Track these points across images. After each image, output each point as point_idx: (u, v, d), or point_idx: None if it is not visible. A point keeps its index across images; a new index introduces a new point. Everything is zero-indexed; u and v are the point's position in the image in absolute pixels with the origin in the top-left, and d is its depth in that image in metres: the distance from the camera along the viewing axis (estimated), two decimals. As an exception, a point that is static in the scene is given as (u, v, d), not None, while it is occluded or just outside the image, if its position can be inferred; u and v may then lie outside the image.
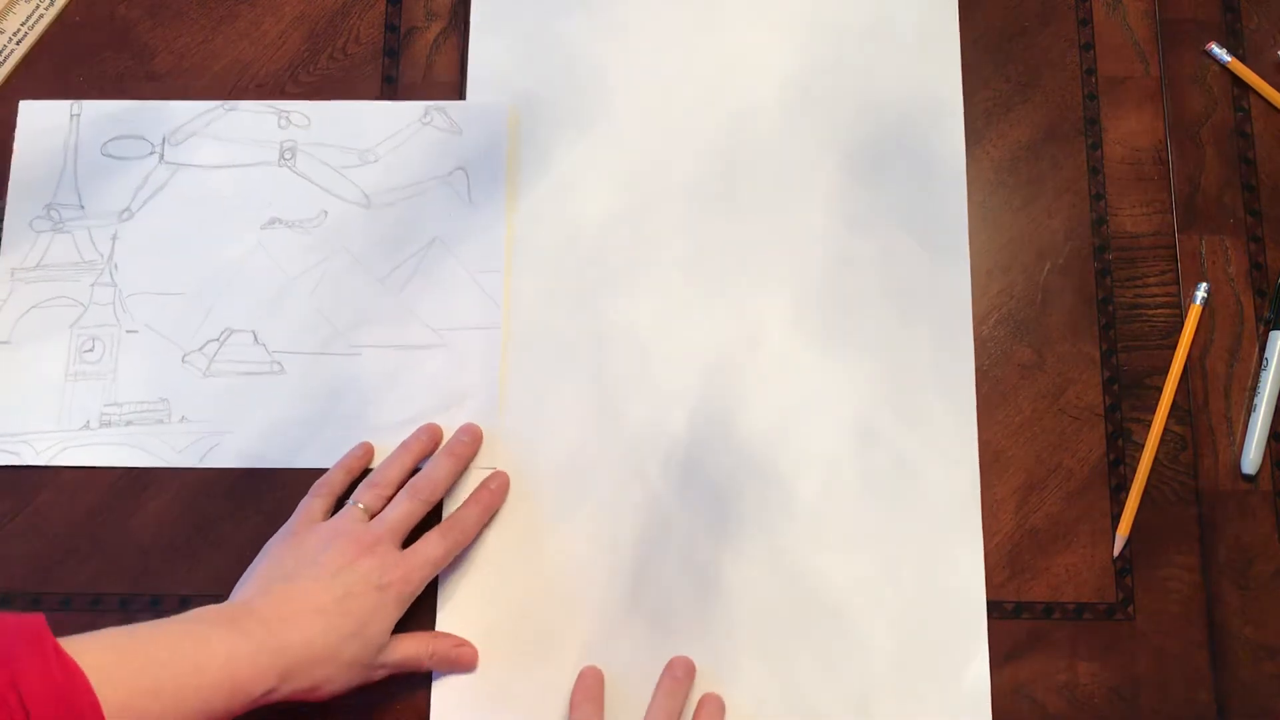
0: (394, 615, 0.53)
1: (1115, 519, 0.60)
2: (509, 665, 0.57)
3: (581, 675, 0.57)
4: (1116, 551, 0.59)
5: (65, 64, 0.65)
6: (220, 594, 0.55)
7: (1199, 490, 0.60)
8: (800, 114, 0.65)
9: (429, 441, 0.59)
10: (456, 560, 0.58)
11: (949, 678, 0.57)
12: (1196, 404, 0.61)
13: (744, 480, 0.60)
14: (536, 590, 0.58)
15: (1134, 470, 0.60)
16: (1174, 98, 0.65)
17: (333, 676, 0.51)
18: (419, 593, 0.55)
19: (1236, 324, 0.62)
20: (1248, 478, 0.60)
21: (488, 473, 0.60)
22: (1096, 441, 0.61)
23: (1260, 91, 0.65)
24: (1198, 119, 0.65)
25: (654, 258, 0.63)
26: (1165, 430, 0.61)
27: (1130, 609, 0.59)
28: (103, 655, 0.43)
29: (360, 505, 0.56)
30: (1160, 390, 0.61)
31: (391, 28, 0.66)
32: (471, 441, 0.59)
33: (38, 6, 0.65)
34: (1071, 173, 0.64)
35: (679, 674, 0.57)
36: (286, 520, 0.56)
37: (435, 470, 0.58)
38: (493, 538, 0.59)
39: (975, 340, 0.62)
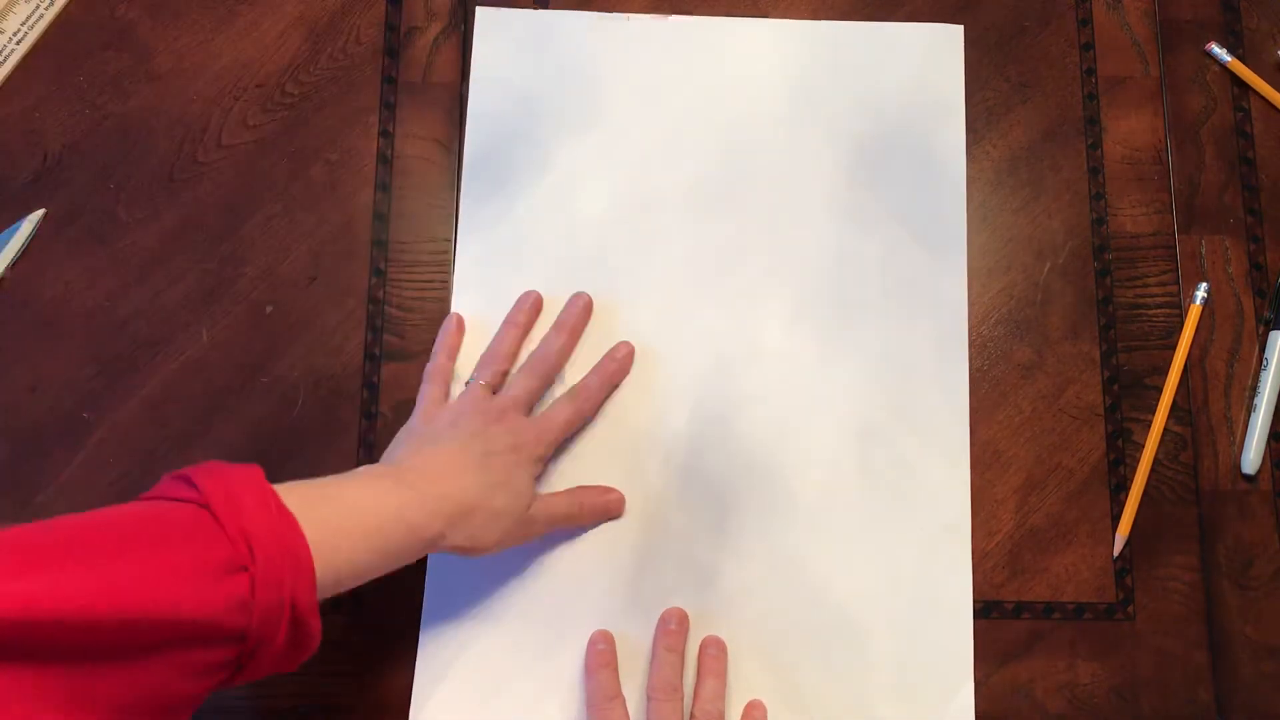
0: (532, 473, 0.55)
1: (1115, 519, 0.60)
2: (501, 671, 0.57)
3: (593, 641, 0.57)
4: (1116, 551, 0.59)
5: (65, 64, 0.65)
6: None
7: (1199, 490, 0.60)
8: (801, 114, 0.65)
9: (533, 312, 0.61)
10: (447, 566, 0.58)
11: (941, 677, 0.57)
12: (1196, 404, 0.61)
13: (744, 480, 0.60)
14: (535, 590, 0.58)
15: (1134, 470, 0.60)
16: (1174, 98, 0.65)
17: (488, 525, 0.52)
18: (550, 455, 0.57)
19: (1236, 324, 0.62)
20: (1248, 478, 0.60)
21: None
22: (1096, 441, 0.61)
23: (1260, 91, 0.65)
24: (1198, 119, 0.65)
25: (654, 258, 0.63)
26: (1165, 430, 0.61)
27: (1130, 609, 0.59)
28: (299, 501, 0.45)
29: (482, 382, 0.57)
30: (1160, 390, 0.61)
31: (391, 27, 0.66)
32: (583, 312, 0.61)
33: (38, 6, 0.65)
34: (1071, 173, 0.64)
35: (673, 625, 0.57)
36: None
37: (549, 347, 0.59)
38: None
39: (975, 340, 0.62)
